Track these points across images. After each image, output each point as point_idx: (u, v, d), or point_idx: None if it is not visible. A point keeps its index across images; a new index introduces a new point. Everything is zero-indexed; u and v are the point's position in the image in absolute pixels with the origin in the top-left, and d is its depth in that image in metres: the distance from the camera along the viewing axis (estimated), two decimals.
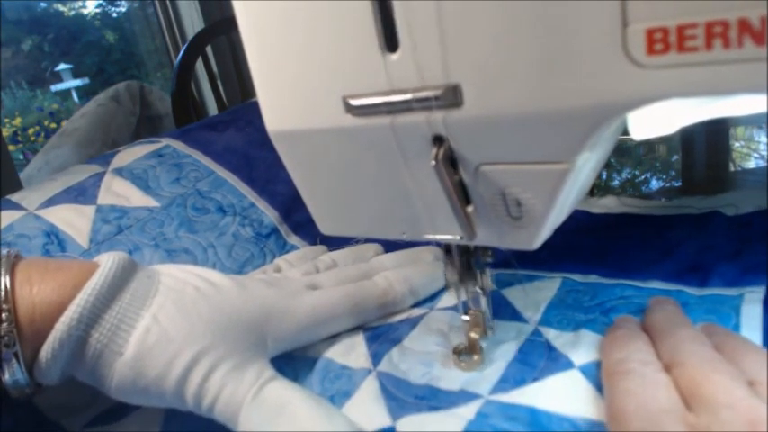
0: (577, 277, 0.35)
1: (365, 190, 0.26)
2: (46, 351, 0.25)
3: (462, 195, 0.23)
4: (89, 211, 0.43)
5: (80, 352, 0.26)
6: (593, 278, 0.35)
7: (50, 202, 0.43)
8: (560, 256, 0.37)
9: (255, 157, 0.54)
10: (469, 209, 0.24)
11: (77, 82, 1.74)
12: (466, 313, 0.30)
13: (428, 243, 0.42)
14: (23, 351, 0.25)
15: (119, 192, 0.46)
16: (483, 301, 0.29)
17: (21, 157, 1.50)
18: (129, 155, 0.50)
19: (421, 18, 0.20)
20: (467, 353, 0.29)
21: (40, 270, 0.27)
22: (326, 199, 0.28)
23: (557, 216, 0.23)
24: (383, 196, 0.26)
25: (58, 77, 1.73)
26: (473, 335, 0.29)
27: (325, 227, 0.29)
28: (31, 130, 1.62)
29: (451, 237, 0.25)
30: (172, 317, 0.27)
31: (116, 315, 0.26)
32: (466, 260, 0.29)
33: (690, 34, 0.16)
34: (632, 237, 0.38)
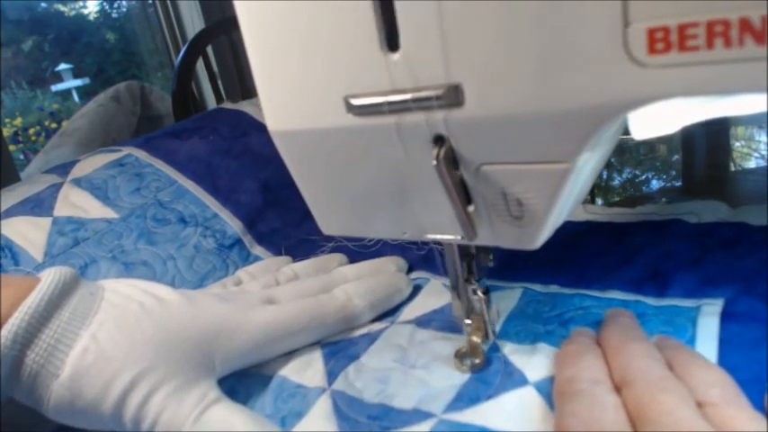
0: (538, 287, 0.34)
1: (366, 189, 0.26)
2: None
3: (463, 195, 0.23)
4: (45, 223, 0.42)
5: (16, 373, 0.25)
6: (553, 288, 0.34)
7: (6, 214, 0.42)
8: (522, 265, 0.37)
9: (219, 166, 0.53)
10: (470, 208, 0.24)
11: (78, 82, 1.74)
12: (468, 317, 0.30)
13: (391, 251, 0.42)
14: None
15: (76, 203, 0.45)
16: (483, 305, 0.29)
17: (21, 157, 1.50)
18: (89, 164, 0.49)
19: (422, 18, 0.20)
20: (469, 356, 0.29)
21: None
22: (327, 198, 0.28)
23: (558, 216, 0.23)
24: (384, 196, 0.26)
25: (58, 77, 1.72)
26: (474, 339, 0.29)
27: (326, 227, 0.29)
28: (31, 130, 1.62)
29: (452, 236, 0.26)
30: (112, 336, 0.26)
31: (53, 335, 0.26)
32: (467, 264, 0.29)
33: (691, 33, 0.16)
34: (594, 244, 0.38)
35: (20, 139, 1.61)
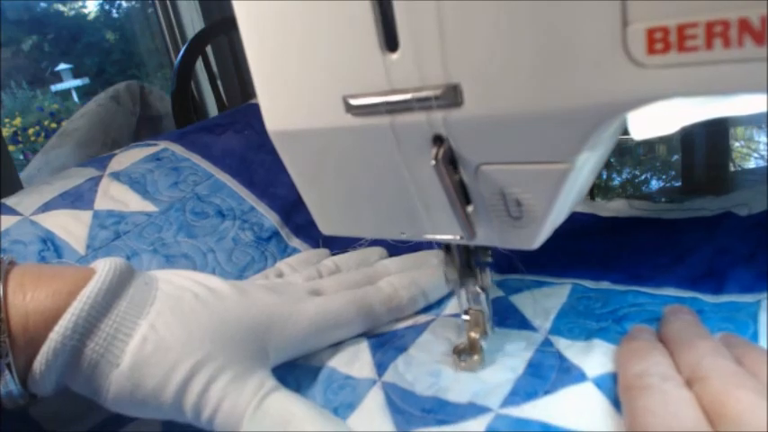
0: (588, 283, 0.34)
1: (365, 190, 0.26)
2: (40, 362, 0.24)
3: (462, 195, 0.23)
4: (86, 216, 0.43)
5: (75, 362, 0.25)
6: (604, 284, 0.34)
7: (46, 207, 0.43)
8: (569, 260, 0.37)
9: (255, 160, 0.54)
10: (469, 209, 0.24)
11: (77, 82, 1.74)
12: (466, 312, 0.30)
13: (430, 245, 0.41)
14: (16, 361, 0.24)
15: (116, 196, 0.45)
16: (483, 300, 0.29)
17: (21, 157, 1.50)
18: (127, 158, 0.50)
19: (421, 18, 0.20)
20: (467, 352, 0.29)
21: (33, 277, 0.26)
22: (326, 199, 0.28)
23: (556, 216, 0.23)
24: (383, 196, 0.26)
25: (58, 77, 1.72)
26: (473, 334, 0.29)
27: (325, 227, 0.29)
28: (31, 130, 1.62)
29: (451, 237, 0.25)
30: (170, 325, 0.26)
31: (112, 324, 0.26)
32: (466, 259, 0.29)
33: (690, 34, 0.16)
34: (643, 241, 0.38)
35: (19, 139, 1.61)
